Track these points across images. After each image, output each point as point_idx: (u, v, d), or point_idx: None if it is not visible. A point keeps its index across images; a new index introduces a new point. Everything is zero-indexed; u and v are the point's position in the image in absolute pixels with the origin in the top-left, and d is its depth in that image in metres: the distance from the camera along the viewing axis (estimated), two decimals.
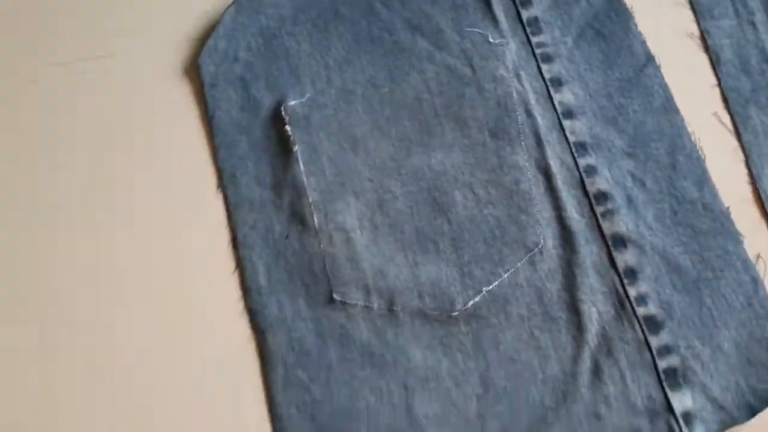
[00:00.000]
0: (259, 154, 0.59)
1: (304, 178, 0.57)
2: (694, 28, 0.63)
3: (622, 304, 0.53)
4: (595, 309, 0.52)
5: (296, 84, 0.61)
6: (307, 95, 0.61)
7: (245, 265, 0.55)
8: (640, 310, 0.52)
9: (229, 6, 0.64)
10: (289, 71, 0.62)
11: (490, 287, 0.53)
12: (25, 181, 0.58)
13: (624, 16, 0.63)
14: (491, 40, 0.62)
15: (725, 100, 0.60)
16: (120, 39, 0.63)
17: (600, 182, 0.57)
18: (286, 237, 0.56)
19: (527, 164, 0.58)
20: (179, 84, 0.62)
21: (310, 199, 0.57)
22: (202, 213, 0.57)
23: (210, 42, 0.63)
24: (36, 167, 0.59)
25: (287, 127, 0.59)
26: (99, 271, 0.55)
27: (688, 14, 0.64)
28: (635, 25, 0.63)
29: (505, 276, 0.53)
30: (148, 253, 0.56)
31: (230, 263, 0.55)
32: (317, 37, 0.63)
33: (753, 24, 0.62)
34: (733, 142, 0.58)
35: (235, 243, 0.56)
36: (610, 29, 0.63)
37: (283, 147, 0.59)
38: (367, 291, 0.53)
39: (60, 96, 0.61)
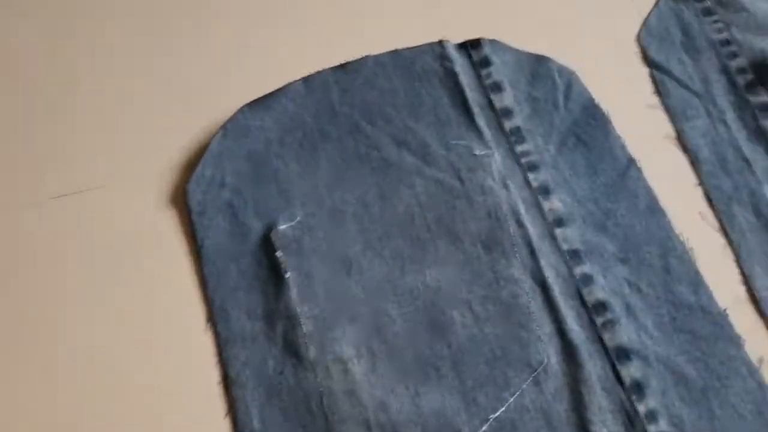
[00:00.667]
0: (250, 282, 0.56)
1: (297, 307, 0.54)
2: (670, 130, 0.62)
3: (632, 422, 0.50)
4: (606, 430, 0.49)
5: (286, 207, 0.59)
6: (297, 218, 0.59)
7: (238, 407, 0.51)
8: (652, 429, 0.49)
9: (216, 132, 0.62)
10: (279, 194, 0.60)
11: (497, 414, 0.50)
12: (18, 313, 0.54)
13: (602, 122, 0.63)
14: (477, 152, 0.61)
15: (708, 198, 0.59)
16: (109, 170, 0.61)
17: (597, 291, 0.55)
18: (281, 372, 0.52)
19: (523, 276, 0.56)
20: (168, 214, 0.59)
21: (304, 329, 0.54)
22: (190, 351, 0.54)
23: (197, 169, 0.60)
24: (26, 304, 0.55)
25: (278, 253, 0.56)
26: (82, 420, 0.51)
27: (663, 116, 0.63)
28: (614, 129, 0.62)
29: (511, 400, 0.50)
30: (132, 400, 0.51)
31: (222, 406, 0.51)
32: (305, 158, 0.61)
33: (725, 122, 0.62)
34: (722, 241, 0.57)
35: (227, 382, 0.52)
36: (591, 135, 0.62)
37: (274, 275, 0.56)
38: (368, 427, 0.50)
39: (48, 231, 0.58)
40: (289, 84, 0.65)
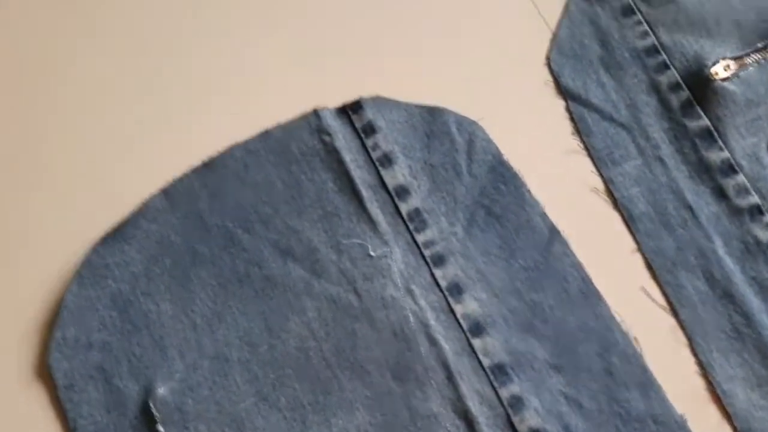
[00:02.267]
0: None
1: None
2: (596, 180, 0.48)
3: None
4: None
5: (163, 360, 0.46)
6: (177, 374, 0.46)
7: None
8: None
9: (70, 283, 0.48)
10: (153, 344, 0.47)
11: None
12: None
13: (514, 184, 0.48)
14: (372, 252, 0.47)
15: (649, 267, 0.45)
16: None
17: (530, 417, 0.42)
18: None
19: (443, 410, 0.43)
20: (32, 392, 0.47)
21: None
22: None
23: (56, 333, 0.47)
24: None
25: (159, 428, 0.44)
26: None
27: (586, 162, 0.48)
28: (528, 192, 0.48)
29: None
30: None
31: None
32: (178, 292, 0.48)
33: (661, 160, 0.47)
34: (671, 321, 0.44)
35: None
36: (502, 204, 0.48)
37: None
38: None
39: None
40: (147, 201, 0.50)
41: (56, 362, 0.46)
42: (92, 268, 0.48)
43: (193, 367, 0.46)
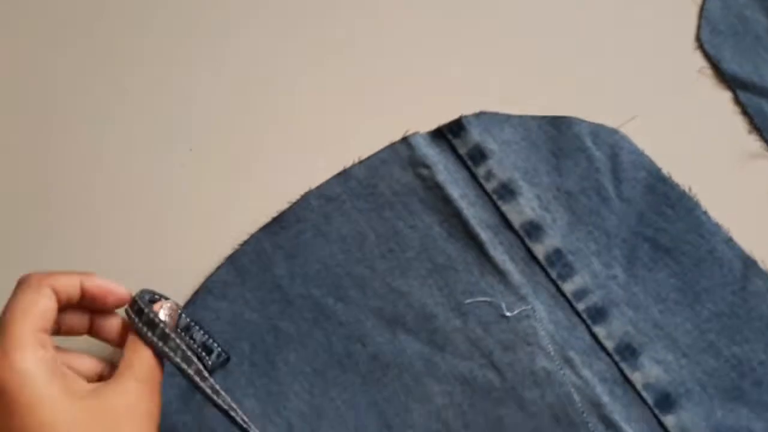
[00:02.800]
0: None
1: None
2: None
3: None
4: None
5: None
6: None
7: None
8: None
9: None
10: None
11: None
12: None
13: (684, 206, 0.37)
14: (507, 312, 0.37)
15: None
16: None
17: None
18: None
19: None
20: None
21: None
22: None
23: None
24: None
25: None
26: None
27: None
28: (705, 214, 0.37)
29: None
30: None
31: None
32: (264, 384, 0.38)
33: None
34: None
35: None
36: (672, 234, 0.37)
37: None
38: None
39: None
40: (211, 274, 0.41)
41: None
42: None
43: None
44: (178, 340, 0.33)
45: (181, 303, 0.40)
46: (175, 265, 0.41)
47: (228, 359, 0.38)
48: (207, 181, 0.43)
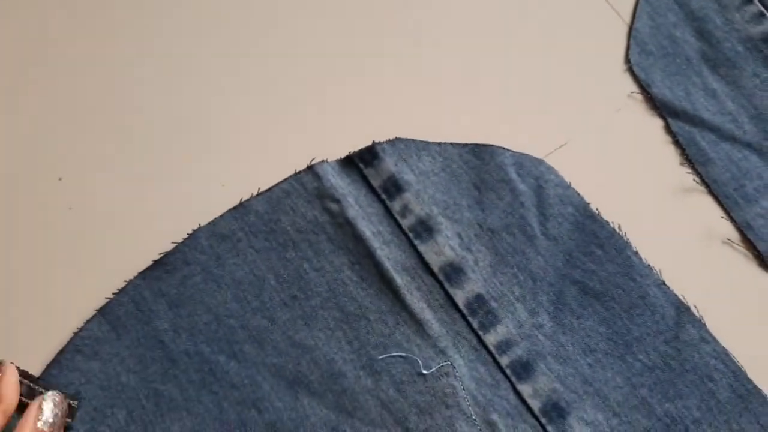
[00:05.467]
0: None
1: None
2: (725, 227, 0.37)
3: None
4: None
5: None
6: None
7: None
8: None
9: None
10: None
11: None
12: None
13: (614, 246, 0.37)
14: (423, 369, 0.35)
15: None
16: None
17: None
18: None
19: None
20: None
21: None
22: None
23: None
24: None
25: None
26: None
27: (707, 203, 0.37)
28: (636, 254, 0.36)
29: None
30: None
31: None
32: None
33: None
34: None
35: None
36: (601, 276, 0.36)
37: None
38: None
39: None
40: (81, 328, 0.37)
41: None
42: None
43: None
44: None
45: (44, 363, 0.36)
46: (37, 317, 0.37)
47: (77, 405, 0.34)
48: (76, 215, 0.39)
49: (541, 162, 0.38)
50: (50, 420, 0.32)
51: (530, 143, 0.38)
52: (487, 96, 0.40)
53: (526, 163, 0.38)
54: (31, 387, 0.35)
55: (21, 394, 0.34)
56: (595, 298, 0.36)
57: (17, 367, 0.35)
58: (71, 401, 0.35)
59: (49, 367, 0.36)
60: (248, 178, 0.39)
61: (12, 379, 0.34)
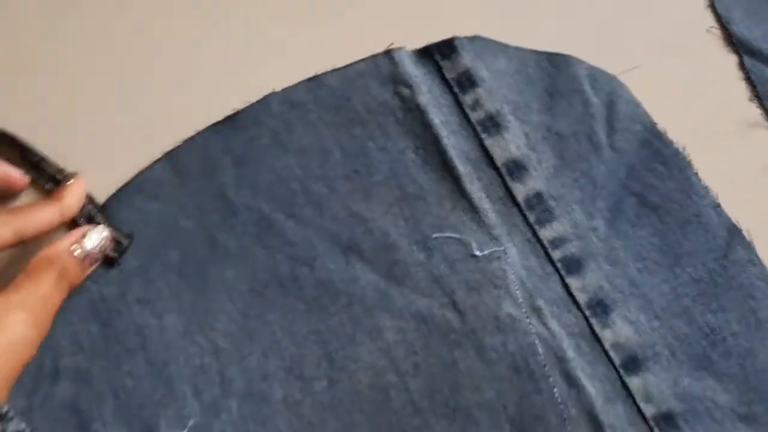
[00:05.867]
0: None
1: None
2: None
3: None
4: None
5: (169, 398, 0.34)
6: (191, 421, 0.34)
7: None
8: None
9: None
10: (153, 374, 0.34)
11: None
12: None
13: (677, 165, 0.38)
14: (476, 251, 0.36)
15: None
16: None
17: None
18: None
19: None
20: None
21: None
22: None
23: None
24: None
25: None
26: None
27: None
28: (696, 176, 0.38)
29: None
30: None
31: None
32: (190, 299, 0.36)
33: None
34: None
35: None
36: (661, 192, 0.37)
37: None
38: None
39: None
40: (146, 169, 0.38)
41: (10, 399, 0.34)
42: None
43: (214, 408, 0.34)
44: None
45: (104, 198, 0.37)
46: (103, 152, 0.38)
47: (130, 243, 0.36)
48: (156, 66, 0.40)
49: (614, 78, 0.39)
50: (87, 250, 0.33)
51: (604, 60, 0.40)
52: (567, 10, 0.41)
53: (600, 77, 0.39)
54: (92, 213, 0.37)
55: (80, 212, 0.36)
56: (652, 210, 0.37)
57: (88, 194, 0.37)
58: (124, 239, 0.36)
59: (109, 201, 0.37)
60: (325, 54, 0.40)
61: (79, 190, 0.36)
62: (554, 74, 0.39)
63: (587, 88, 0.39)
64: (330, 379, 0.34)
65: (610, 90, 0.39)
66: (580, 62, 0.40)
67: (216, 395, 0.34)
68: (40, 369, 0.34)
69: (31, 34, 0.40)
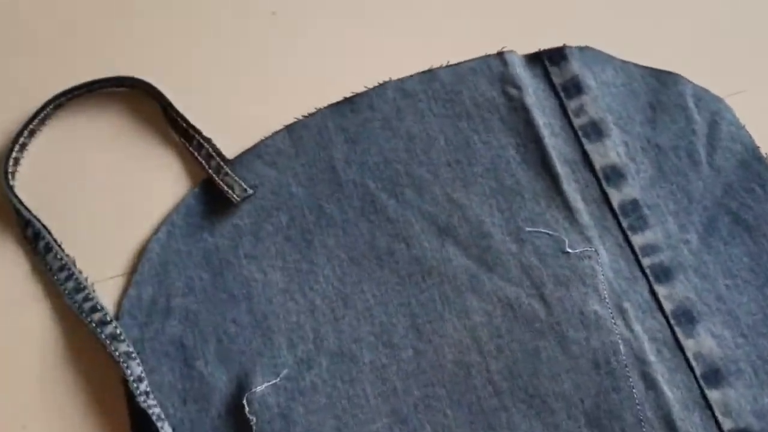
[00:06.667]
0: None
1: None
2: None
3: None
4: None
5: (265, 347, 0.36)
6: (284, 372, 0.36)
7: None
8: None
9: (158, 229, 0.39)
10: (254, 324, 0.37)
11: None
12: None
13: None
14: (568, 248, 0.37)
15: None
16: None
17: None
18: None
19: None
20: (80, 359, 0.37)
21: None
22: None
23: (132, 290, 0.38)
24: None
25: None
26: None
27: None
28: None
29: None
30: None
31: None
32: (294, 260, 0.38)
33: None
34: None
35: None
36: (756, 213, 0.37)
37: None
38: None
39: None
40: (267, 138, 0.41)
41: (126, 328, 0.37)
42: (187, 216, 0.39)
43: (306, 363, 0.36)
44: None
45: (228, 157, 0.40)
46: (234, 120, 0.41)
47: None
48: (287, 47, 0.43)
49: (720, 99, 0.40)
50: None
51: (710, 82, 0.40)
52: (676, 28, 0.42)
53: (705, 98, 0.40)
54: (219, 165, 0.39)
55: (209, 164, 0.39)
56: (746, 230, 0.37)
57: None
58: (247, 189, 0.39)
59: (231, 161, 0.40)
60: (436, 52, 0.42)
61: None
62: (659, 90, 0.40)
63: (691, 105, 0.39)
64: (416, 350, 0.36)
65: (715, 110, 0.39)
66: (687, 81, 0.40)
67: (309, 351, 0.36)
68: (154, 305, 0.37)
69: (177, 12, 0.44)
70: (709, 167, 0.38)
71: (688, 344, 0.35)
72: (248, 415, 0.34)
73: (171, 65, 0.42)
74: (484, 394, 0.35)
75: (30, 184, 0.40)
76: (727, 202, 0.37)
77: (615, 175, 0.38)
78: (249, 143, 0.40)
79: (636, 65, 0.41)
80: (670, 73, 0.40)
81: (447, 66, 0.42)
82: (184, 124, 0.40)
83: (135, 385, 0.34)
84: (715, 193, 0.38)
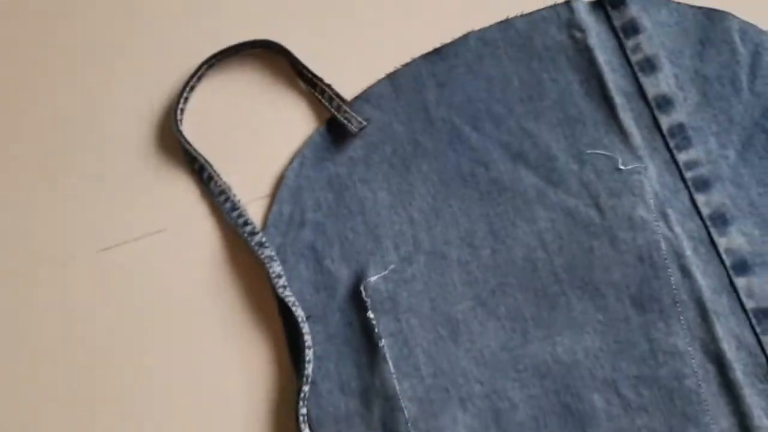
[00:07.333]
0: (340, 349, 0.46)
1: (396, 384, 0.44)
2: None
3: None
4: None
5: (376, 249, 0.47)
6: (391, 266, 0.46)
7: None
8: None
9: (292, 160, 0.50)
10: (367, 231, 0.47)
11: None
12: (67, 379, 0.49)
13: None
14: (621, 166, 0.44)
15: None
16: (168, 212, 0.51)
17: None
18: None
19: (690, 349, 0.40)
20: (239, 261, 0.49)
21: (406, 414, 0.43)
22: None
23: (274, 208, 0.49)
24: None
25: (369, 314, 0.45)
26: None
27: None
28: None
29: None
30: None
31: None
32: (396, 182, 0.48)
33: None
34: None
35: None
36: None
37: (367, 340, 0.45)
38: None
39: (96, 286, 0.50)
40: (372, 85, 0.50)
41: (271, 236, 0.48)
42: (314, 149, 0.49)
43: (408, 260, 0.46)
44: None
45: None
46: (344, 76, 0.50)
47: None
48: (387, 5, 0.52)
49: (764, 32, 0.44)
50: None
51: (760, 19, 0.44)
52: None
53: (749, 31, 0.44)
54: (340, 105, 0.49)
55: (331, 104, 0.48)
56: None
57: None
58: (362, 121, 0.48)
59: (348, 102, 0.49)
60: (511, 3, 0.49)
61: None
62: (708, 26, 0.45)
63: (737, 39, 0.44)
64: (493, 249, 0.45)
65: (758, 42, 0.44)
66: (734, 17, 0.45)
67: (409, 251, 0.46)
68: (291, 219, 0.48)
69: None
70: (750, 93, 0.43)
71: (721, 241, 0.41)
72: (365, 298, 0.45)
73: (295, 30, 0.52)
74: (547, 283, 0.43)
75: (193, 128, 0.52)
76: (764, 123, 0.43)
77: (665, 103, 0.44)
78: (358, 90, 0.50)
79: (689, 6, 0.46)
80: (718, 11, 0.45)
81: (522, 15, 0.49)
82: (309, 74, 0.50)
83: (276, 280, 0.46)
84: (754, 114, 0.43)
